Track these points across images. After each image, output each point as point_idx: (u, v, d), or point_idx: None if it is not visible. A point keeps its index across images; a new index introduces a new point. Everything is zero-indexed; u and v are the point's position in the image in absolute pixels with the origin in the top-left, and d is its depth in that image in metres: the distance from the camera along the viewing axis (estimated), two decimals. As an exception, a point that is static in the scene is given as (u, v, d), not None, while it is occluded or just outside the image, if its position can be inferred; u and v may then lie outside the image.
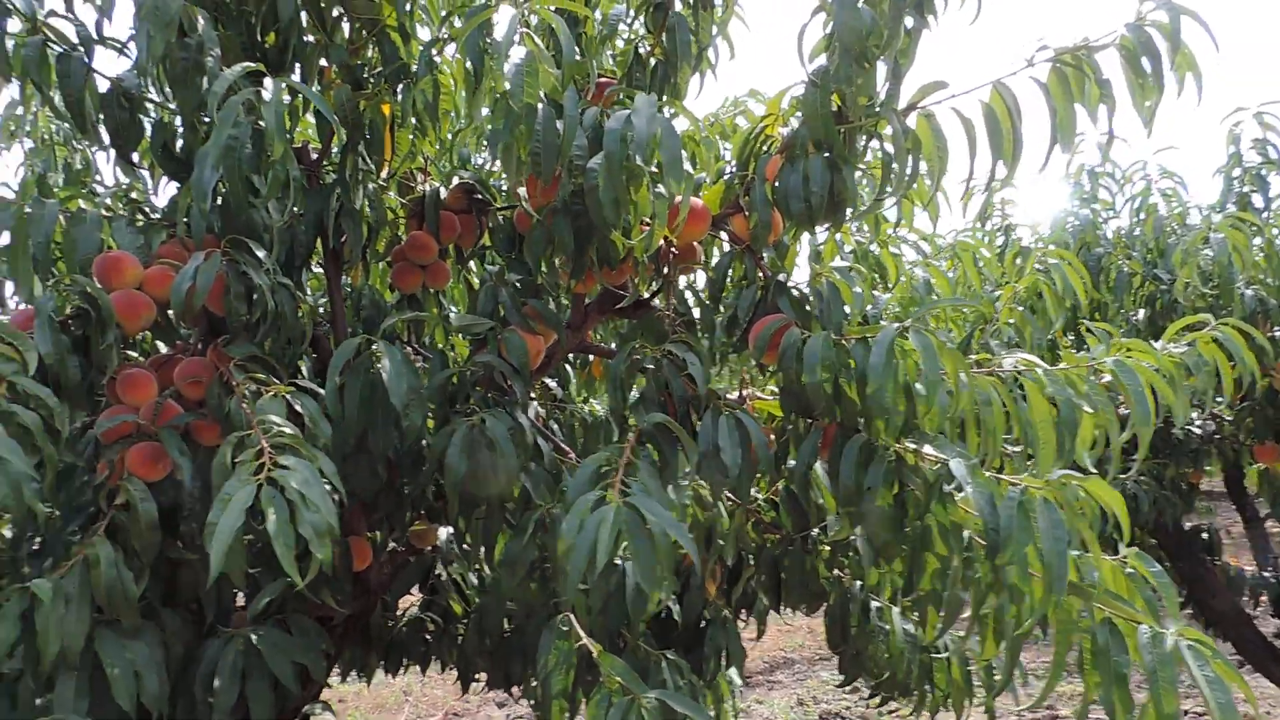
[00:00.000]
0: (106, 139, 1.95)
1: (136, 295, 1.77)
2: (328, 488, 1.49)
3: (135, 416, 1.71)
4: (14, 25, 1.85)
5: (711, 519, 2.09)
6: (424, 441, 1.96)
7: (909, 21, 1.80)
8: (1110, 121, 1.85)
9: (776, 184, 1.91)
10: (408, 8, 2.08)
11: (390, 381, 1.76)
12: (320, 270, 2.46)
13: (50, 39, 1.87)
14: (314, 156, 2.17)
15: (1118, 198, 4.28)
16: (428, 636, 2.51)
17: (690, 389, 1.85)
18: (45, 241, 1.77)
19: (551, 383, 2.72)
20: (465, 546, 2.41)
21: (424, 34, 2.28)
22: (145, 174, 2.21)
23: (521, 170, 1.78)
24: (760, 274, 2.05)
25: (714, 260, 2.29)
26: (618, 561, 1.88)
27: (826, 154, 1.86)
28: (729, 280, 2.12)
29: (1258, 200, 4.02)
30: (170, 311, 1.80)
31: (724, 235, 2.17)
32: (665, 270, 2.12)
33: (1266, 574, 4.54)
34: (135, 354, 2.07)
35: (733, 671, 2.33)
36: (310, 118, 2.23)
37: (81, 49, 1.89)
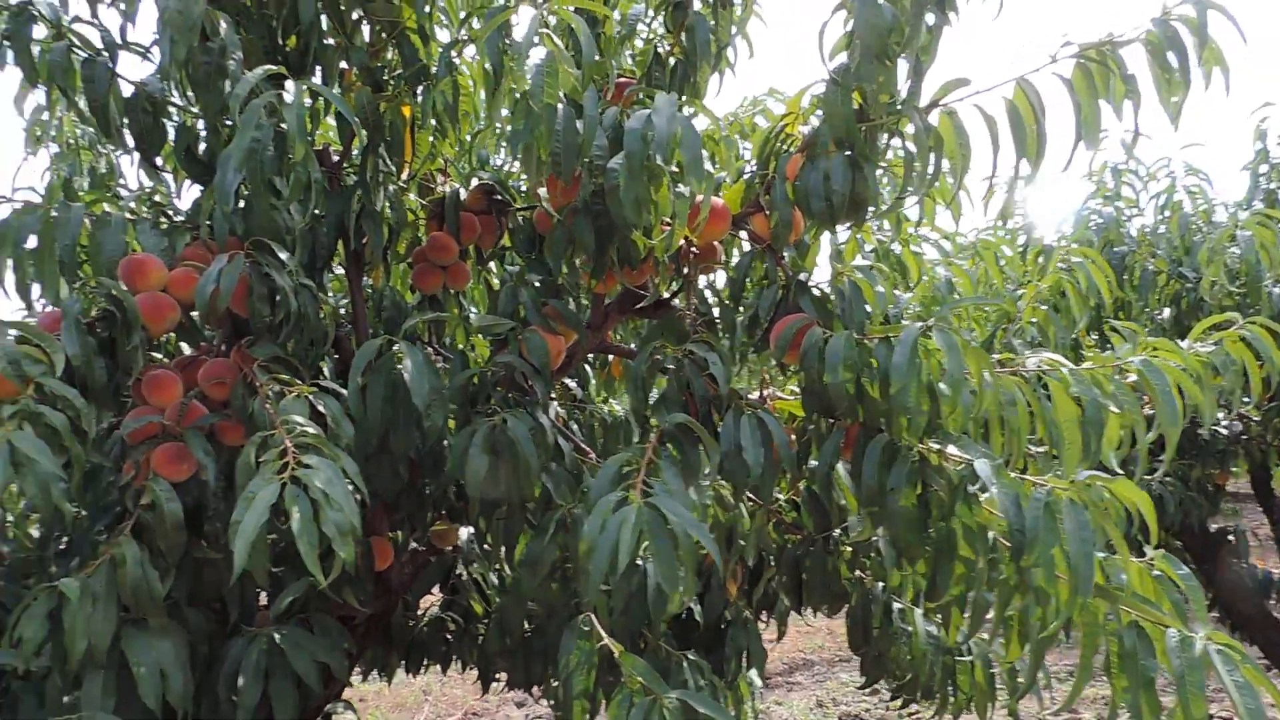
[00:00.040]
0: (131, 143, 1.97)
1: (161, 297, 1.79)
2: (350, 487, 1.49)
3: (160, 417, 1.73)
4: (40, 31, 1.88)
5: (733, 519, 2.08)
6: (445, 442, 1.96)
7: (930, 18, 1.79)
8: (1136, 118, 1.83)
9: (797, 183, 1.90)
10: (427, 9, 2.08)
11: (412, 382, 1.77)
12: (342, 272, 2.48)
13: (75, 45, 1.90)
14: (335, 159, 2.18)
15: (1142, 195, 4.22)
16: (448, 636, 2.52)
17: (712, 389, 1.85)
18: (71, 244, 1.79)
19: (571, 383, 2.72)
20: (486, 546, 2.41)
21: (443, 35, 2.28)
22: (169, 177, 2.24)
23: (542, 170, 1.78)
24: (781, 273, 2.03)
25: (734, 260, 2.29)
26: (639, 562, 1.87)
27: (848, 152, 1.85)
28: (750, 280, 2.11)
29: (1285, 197, 3.97)
30: (194, 313, 1.82)
31: (744, 235, 2.16)
32: (686, 270, 2.11)
33: (1294, 576, 4.47)
34: (160, 355, 2.09)
35: (753, 673, 2.32)
36: (331, 120, 2.24)
37: (106, 54, 1.92)
